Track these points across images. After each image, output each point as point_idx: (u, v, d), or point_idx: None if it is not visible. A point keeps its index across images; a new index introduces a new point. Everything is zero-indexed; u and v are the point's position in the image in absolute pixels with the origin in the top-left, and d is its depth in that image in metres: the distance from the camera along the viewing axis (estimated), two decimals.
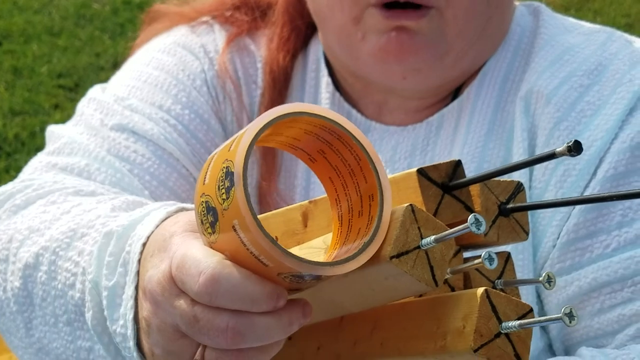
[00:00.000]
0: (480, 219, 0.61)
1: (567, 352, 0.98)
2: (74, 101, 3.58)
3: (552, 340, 1.00)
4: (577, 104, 0.99)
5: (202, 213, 0.64)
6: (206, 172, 0.64)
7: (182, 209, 0.76)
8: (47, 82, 3.64)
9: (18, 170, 3.37)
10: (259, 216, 0.84)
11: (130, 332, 0.74)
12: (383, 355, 0.73)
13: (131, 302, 0.74)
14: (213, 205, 0.63)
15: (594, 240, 0.95)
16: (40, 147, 3.40)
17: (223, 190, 0.62)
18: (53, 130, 1.06)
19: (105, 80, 1.13)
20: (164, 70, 1.07)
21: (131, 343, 0.74)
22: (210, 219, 0.63)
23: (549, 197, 0.97)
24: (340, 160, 0.66)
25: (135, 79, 1.07)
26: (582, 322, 0.95)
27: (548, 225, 0.97)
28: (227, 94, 1.06)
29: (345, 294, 0.73)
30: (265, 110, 1.05)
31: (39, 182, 0.96)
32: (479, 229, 0.61)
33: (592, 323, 0.95)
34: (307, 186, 1.05)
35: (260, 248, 0.61)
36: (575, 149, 0.62)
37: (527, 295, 0.96)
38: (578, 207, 0.95)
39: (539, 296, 0.99)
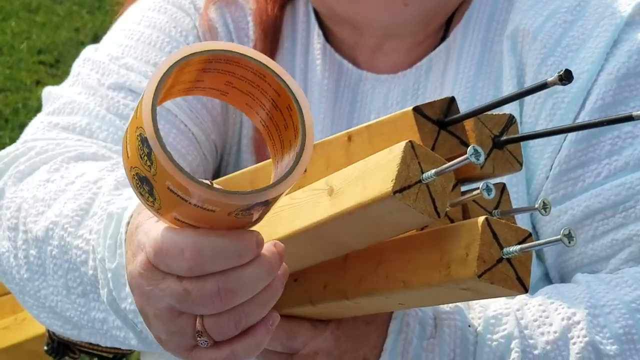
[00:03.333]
0: (479, 149, 0.64)
1: (563, 280, 1.02)
2: (55, 77, 3.59)
3: (548, 268, 1.03)
4: (562, 39, 1.01)
5: (138, 185, 0.65)
6: (126, 146, 0.65)
7: None
8: (28, 58, 3.64)
9: (2, 146, 3.37)
10: (254, 166, 0.86)
11: None
12: (389, 288, 0.76)
13: None
14: (143, 175, 0.64)
15: (585, 169, 0.98)
16: (23, 123, 3.42)
17: (145, 158, 0.63)
18: (50, 91, 1.08)
19: None
20: (156, 28, 1.08)
21: (142, 318, 0.75)
22: (147, 188, 0.65)
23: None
24: (248, 84, 0.66)
25: (128, 37, 1.08)
26: (576, 249, 0.98)
27: (540, 158, 1.00)
28: None
29: (349, 232, 0.75)
30: None
31: (41, 145, 0.98)
32: (478, 159, 0.64)
33: (586, 250, 0.98)
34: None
35: (200, 198, 0.62)
36: (567, 77, 0.64)
37: (522, 226, 0.99)
38: (568, 138, 0.98)
39: (534, 227, 1.02)
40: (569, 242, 0.65)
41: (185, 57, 0.63)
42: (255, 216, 0.66)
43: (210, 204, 0.63)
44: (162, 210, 0.66)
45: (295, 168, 0.64)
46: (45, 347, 1.13)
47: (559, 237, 0.65)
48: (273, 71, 0.65)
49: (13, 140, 3.37)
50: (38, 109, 3.53)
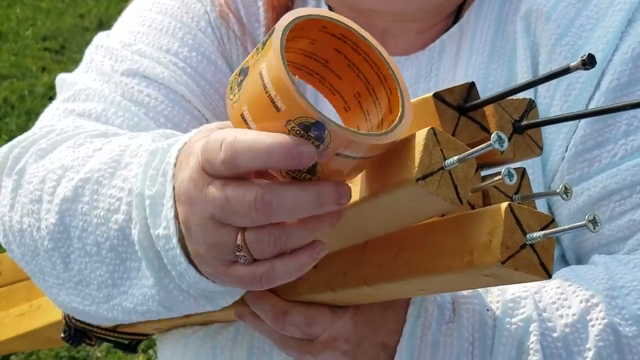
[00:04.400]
0: (503, 136, 0.64)
1: (580, 261, 1.01)
2: (61, 63, 3.58)
3: (564, 249, 1.03)
4: (576, 19, 1.01)
5: (235, 78, 0.69)
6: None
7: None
8: (33, 45, 3.63)
9: (9, 133, 3.39)
10: None
11: (172, 229, 0.75)
12: (410, 275, 0.76)
13: (171, 202, 0.75)
14: (246, 66, 0.68)
15: (602, 150, 0.97)
16: (29, 109, 3.42)
17: (260, 47, 0.67)
18: (64, 78, 1.07)
19: (90, 40, 1.14)
20: (167, 14, 1.08)
21: (174, 240, 0.76)
22: (240, 79, 0.68)
23: (555, 111, 0.99)
24: (363, 84, 0.69)
25: (139, 24, 1.08)
26: None
27: (556, 139, 0.99)
28: (231, 33, 1.08)
29: (370, 219, 0.75)
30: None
31: (60, 127, 0.97)
32: (502, 146, 0.64)
33: (603, 230, 0.98)
34: (315, 104, 1.07)
35: (280, 86, 0.64)
36: (590, 62, 0.64)
37: (538, 207, 0.99)
38: (584, 119, 0.98)
39: (549, 208, 1.02)
40: (594, 228, 0.64)
41: (321, 16, 0.68)
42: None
43: (282, 98, 0.64)
44: (236, 105, 0.68)
45: (394, 131, 0.67)
46: (62, 334, 1.13)
47: (583, 222, 0.65)
48: (388, 64, 0.69)
49: (19, 126, 3.37)
50: (44, 95, 3.53)
